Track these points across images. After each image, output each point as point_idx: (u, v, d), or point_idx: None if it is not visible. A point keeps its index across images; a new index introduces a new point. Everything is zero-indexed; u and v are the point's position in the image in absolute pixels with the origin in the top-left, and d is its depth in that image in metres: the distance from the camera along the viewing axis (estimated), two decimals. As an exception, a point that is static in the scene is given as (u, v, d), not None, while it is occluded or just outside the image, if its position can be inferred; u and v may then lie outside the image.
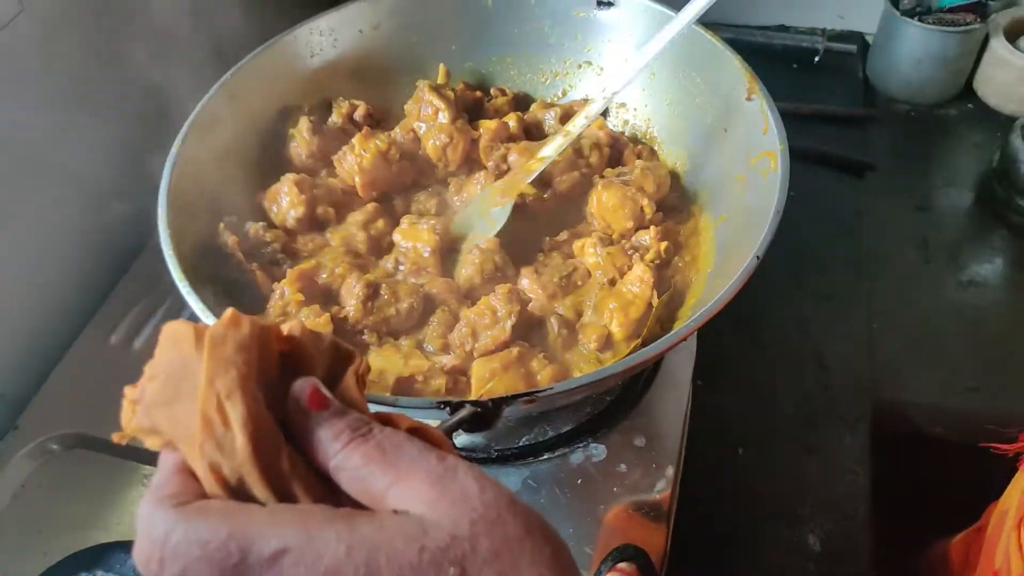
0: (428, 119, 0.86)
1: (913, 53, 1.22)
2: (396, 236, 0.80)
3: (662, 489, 0.75)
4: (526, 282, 0.77)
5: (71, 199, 0.90)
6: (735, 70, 0.80)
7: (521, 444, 0.78)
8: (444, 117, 0.85)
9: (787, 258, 1.04)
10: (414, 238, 0.79)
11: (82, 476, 0.79)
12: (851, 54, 1.31)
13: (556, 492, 0.75)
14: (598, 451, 0.78)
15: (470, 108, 0.92)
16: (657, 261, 0.78)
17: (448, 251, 0.81)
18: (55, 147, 0.86)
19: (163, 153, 0.75)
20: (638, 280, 0.75)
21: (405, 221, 0.81)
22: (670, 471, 0.76)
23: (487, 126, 0.88)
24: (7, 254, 0.83)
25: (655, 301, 0.74)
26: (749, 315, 0.99)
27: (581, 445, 0.78)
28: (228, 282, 0.74)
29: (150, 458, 0.78)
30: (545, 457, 0.77)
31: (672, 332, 0.62)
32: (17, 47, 0.80)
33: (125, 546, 0.74)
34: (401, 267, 0.80)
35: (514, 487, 0.76)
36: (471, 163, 0.88)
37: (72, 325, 0.89)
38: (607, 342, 0.74)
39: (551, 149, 0.82)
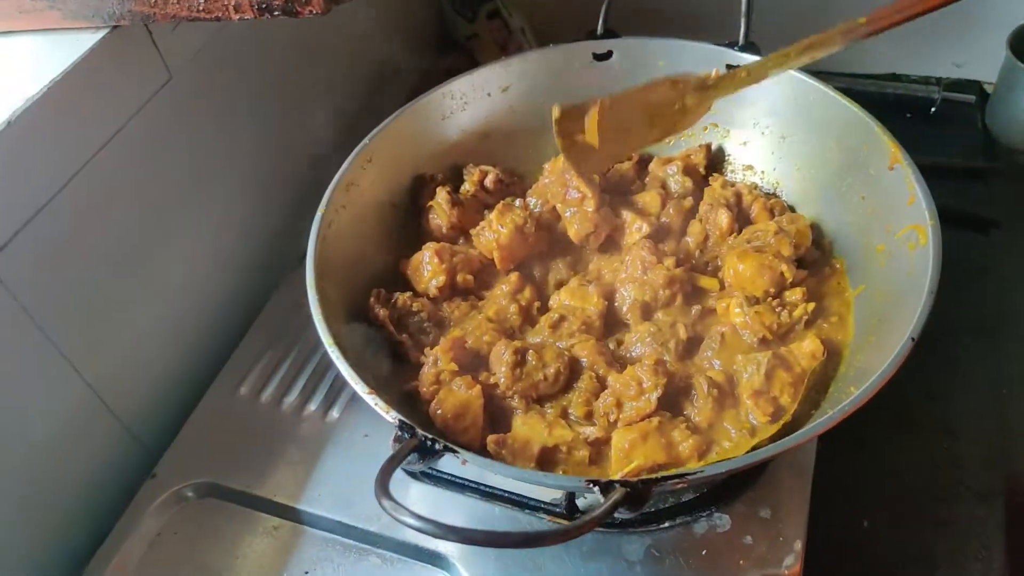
0: (572, 204, 0.87)
1: (1035, 104, 1.18)
2: (562, 298, 0.83)
3: (790, 565, 0.73)
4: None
5: (204, 255, 0.94)
6: (875, 137, 0.78)
7: (644, 511, 0.77)
8: (590, 206, 0.86)
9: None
10: (583, 301, 0.82)
11: (214, 526, 0.81)
12: (970, 104, 1.27)
13: (680, 562, 0.74)
14: (722, 521, 0.76)
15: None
16: (805, 319, 0.77)
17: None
18: (191, 204, 0.90)
19: (289, 216, 0.78)
20: (811, 356, 0.74)
21: (574, 281, 0.84)
22: (798, 545, 0.74)
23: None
24: (146, 307, 0.86)
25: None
26: (875, 381, 0.96)
27: (705, 514, 0.76)
28: (376, 349, 0.77)
29: (277, 510, 0.81)
30: (667, 525, 0.76)
31: (822, 419, 0.60)
32: (167, 110, 0.84)
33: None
34: (564, 324, 0.81)
35: (637, 555, 0.75)
36: (609, 241, 0.90)
37: (204, 375, 0.92)
38: (776, 413, 0.73)
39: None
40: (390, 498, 0.50)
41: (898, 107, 1.29)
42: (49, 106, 0.70)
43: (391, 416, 0.62)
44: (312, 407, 0.89)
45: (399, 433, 0.60)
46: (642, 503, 0.55)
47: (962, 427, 0.93)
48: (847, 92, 0.82)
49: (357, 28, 1.17)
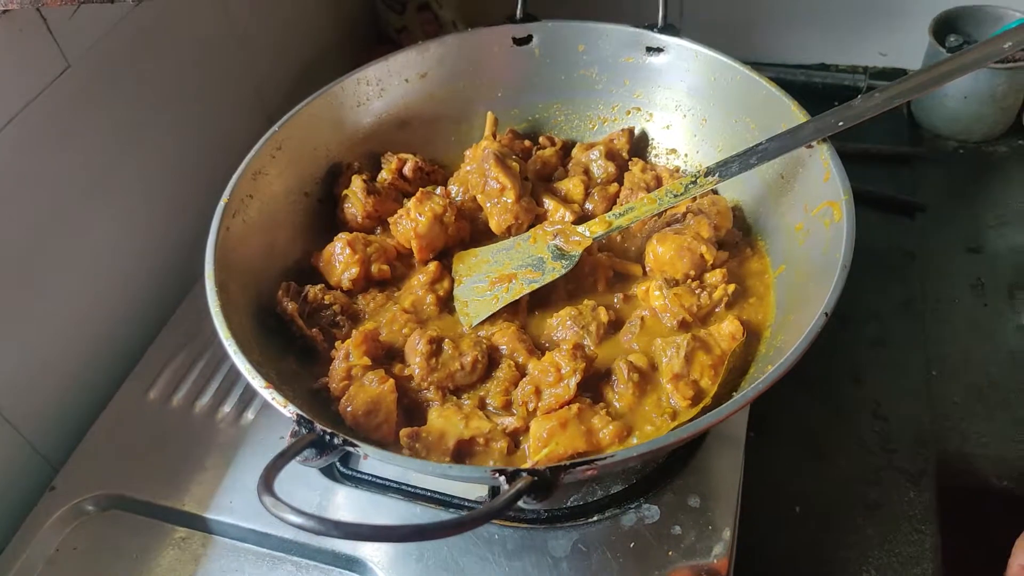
0: (493, 195, 0.85)
1: (960, 91, 1.19)
2: None
3: (720, 554, 0.72)
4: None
5: (110, 251, 0.89)
6: (791, 115, 0.78)
7: (570, 505, 0.75)
8: (510, 197, 0.84)
9: (838, 304, 1.00)
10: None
11: (118, 539, 0.76)
12: (895, 92, 1.28)
13: (608, 556, 0.72)
14: (651, 512, 0.74)
15: (519, 157, 0.91)
16: (725, 300, 0.76)
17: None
18: (95, 199, 0.86)
19: (206, 209, 0.74)
20: (730, 337, 0.73)
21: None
22: (727, 534, 0.73)
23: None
24: (42, 306, 0.82)
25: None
26: (800, 363, 0.96)
27: (633, 506, 0.74)
28: (286, 343, 0.73)
29: (185, 520, 0.77)
30: (595, 519, 0.74)
31: (739, 395, 0.59)
32: (64, 100, 0.79)
33: (162, 612, 0.72)
34: None
35: (564, 551, 0.72)
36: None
37: (110, 380, 0.88)
38: (697, 397, 0.71)
39: (623, 219, 0.81)
40: (271, 494, 0.47)
41: (826, 95, 1.30)
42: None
43: (288, 410, 0.58)
44: (226, 409, 0.85)
45: (296, 428, 0.57)
46: (549, 492, 0.52)
47: (891, 409, 0.93)
48: (777, 81, 0.82)
49: (283, 18, 1.13)
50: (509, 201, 0.84)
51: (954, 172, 1.22)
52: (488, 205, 0.85)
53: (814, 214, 0.72)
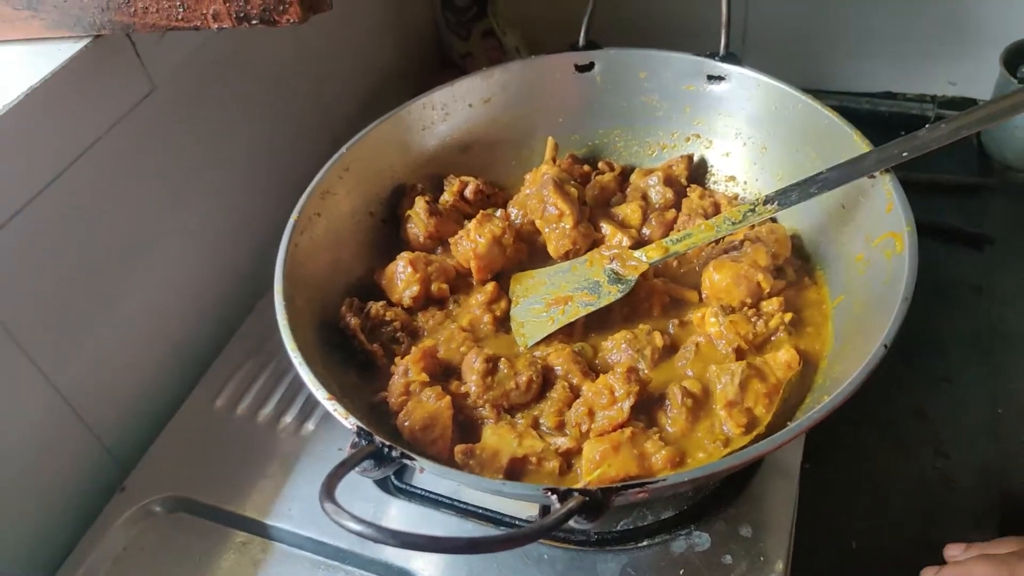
0: (551, 220, 0.86)
1: (1033, 121, 1.17)
2: None
3: (772, 585, 0.71)
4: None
5: (185, 264, 0.94)
6: (854, 145, 0.77)
7: (620, 528, 0.75)
8: (568, 223, 0.85)
9: (900, 336, 0.99)
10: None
11: (182, 541, 0.79)
12: (964, 122, 1.25)
13: (658, 582, 0.72)
14: (702, 540, 0.74)
15: (578, 182, 0.92)
16: (782, 329, 0.76)
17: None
18: (173, 214, 0.90)
19: (277, 224, 0.78)
20: (786, 366, 0.72)
21: None
22: (780, 566, 0.72)
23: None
24: (120, 314, 0.86)
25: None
26: (860, 397, 0.94)
27: (683, 533, 0.74)
28: (347, 357, 0.76)
29: (246, 524, 0.79)
30: (645, 544, 0.74)
31: (794, 424, 0.59)
32: (148, 120, 0.84)
33: (222, 613, 0.74)
34: None
35: (612, 574, 0.72)
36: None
37: (181, 388, 0.91)
38: (750, 425, 0.71)
39: (680, 245, 0.82)
40: (332, 501, 0.48)
41: (893, 124, 1.28)
42: (26, 112, 0.69)
43: (349, 422, 0.60)
44: (287, 420, 0.87)
45: (356, 439, 0.59)
46: (600, 512, 0.53)
47: (954, 446, 0.91)
48: (841, 110, 0.81)
49: (352, 43, 1.17)
50: (567, 227, 0.85)
51: (1024, 205, 1.19)
52: (547, 230, 0.87)
53: (875, 245, 0.72)
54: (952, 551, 0.78)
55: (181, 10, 0.70)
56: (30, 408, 0.76)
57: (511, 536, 0.47)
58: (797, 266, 0.83)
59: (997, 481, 0.87)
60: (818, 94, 0.85)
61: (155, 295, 0.90)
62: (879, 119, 1.29)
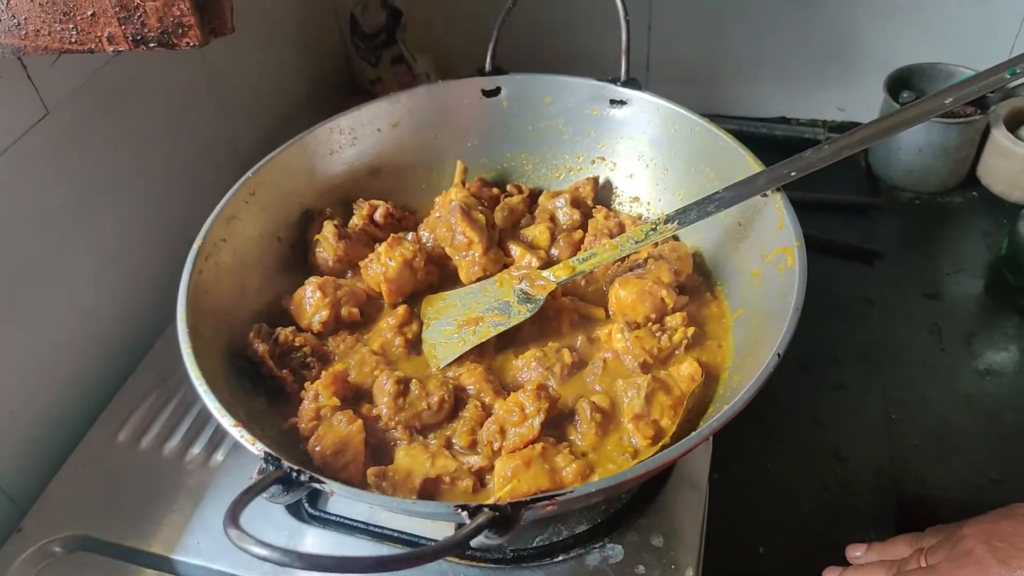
0: (461, 248, 0.87)
1: (915, 144, 1.24)
2: None
3: (684, 593, 0.73)
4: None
5: (84, 294, 0.90)
6: (747, 166, 0.81)
7: (535, 545, 0.76)
8: (477, 251, 0.87)
9: (798, 347, 1.03)
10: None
11: (84, 581, 0.76)
12: (853, 145, 1.33)
13: (573, 596, 0.73)
14: (615, 552, 0.75)
15: (487, 206, 0.94)
16: (685, 343, 0.78)
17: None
18: (70, 242, 0.87)
19: (180, 254, 0.76)
20: (689, 379, 0.75)
21: None
22: (690, 572, 0.74)
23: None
24: (15, 347, 0.82)
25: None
26: (762, 406, 0.97)
27: (597, 546, 0.75)
28: (256, 384, 0.74)
29: (152, 561, 0.76)
30: (560, 559, 0.75)
31: (694, 434, 0.61)
32: (42, 145, 0.81)
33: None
34: None
35: (529, 591, 0.73)
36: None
37: (80, 422, 0.88)
38: (656, 436, 0.73)
39: (586, 264, 0.84)
40: (237, 527, 0.48)
41: (787, 147, 1.32)
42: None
43: (256, 448, 0.59)
44: (195, 451, 0.85)
45: (263, 465, 0.58)
46: (510, 527, 0.54)
47: (851, 451, 0.95)
48: (740, 134, 0.85)
49: (261, 68, 1.16)
50: (476, 254, 0.87)
51: (910, 222, 1.27)
52: (456, 258, 0.88)
53: (769, 260, 0.76)
54: (853, 552, 0.81)
55: (74, 32, 0.68)
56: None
57: (419, 553, 0.47)
58: (698, 282, 0.86)
59: (892, 483, 0.92)
60: (718, 119, 0.89)
61: (52, 328, 0.86)
62: (775, 142, 1.35)
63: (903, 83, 1.26)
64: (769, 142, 1.35)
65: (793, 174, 0.77)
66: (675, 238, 0.90)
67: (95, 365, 0.92)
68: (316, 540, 0.77)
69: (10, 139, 0.78)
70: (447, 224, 0.87)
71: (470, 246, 0.86)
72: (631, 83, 0.92)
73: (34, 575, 0.77)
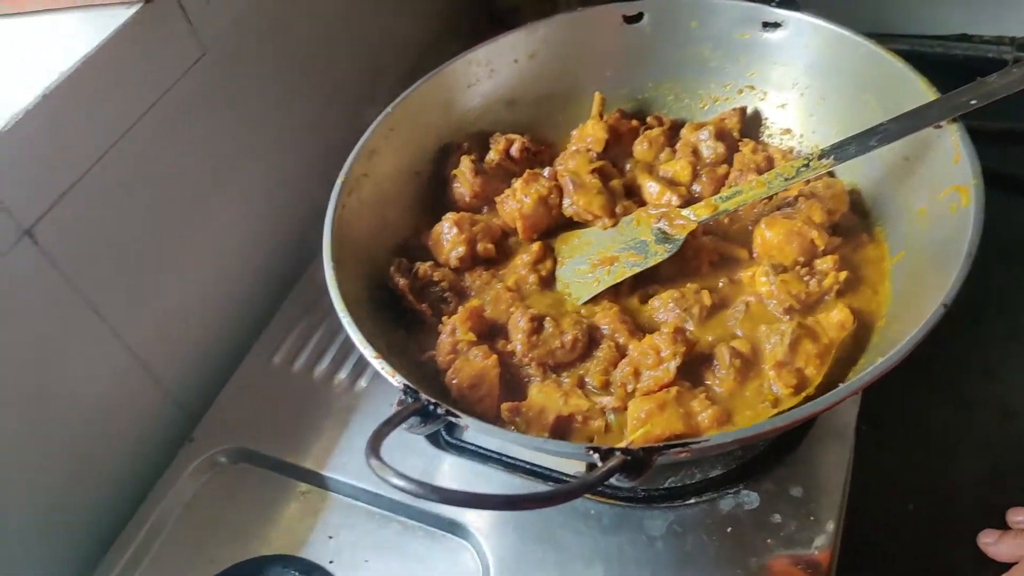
0: (586, 218, 0.86)
1: (1122, 63, 1.09)
2: None
3: (822, 546, 0.70)
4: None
5: (240, 228, 0.96)
6: (919, 93, 0.73)
7: (667, 486, 0.75)
8: (604, 222, 0.85)
9: (969, 294, 0.95)
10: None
11: (246, 490, 0.83)
12: (1047, 64, 1.18)
13: (704, 539, 0.72)
14: (750, 499, 0.74)
15: (624, 140, 0.91)
16: (836, 288, 0.74)
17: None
18: (226, 180, 0.92)
19: (328, 185, 0.78)
20: (839, 326, 0.71)
21: None
22: (831, 526, 0.71)
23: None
24: (184, 280, 0.88)
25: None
26: (923, 356, 0.91)
27: (732, 491, 0.74)
28: (397, 316, 0.77)
29: (306, 476, 0.82)
30: (692, 502, 0.74)
31: (843, 386, 0.57)
32: (198, 87, 0.85)
33: (283, 559, 0.77)
34: None
35: (659, 531, 0.73)
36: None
37: (241, 344, 0.94)
38: (800, 386, 0.69)
39: (730, 203, 0.80)
40: (377, 458, 0.50)
41: (968, 69, 1.18)
42: (82, 81, 0.71)
43: (396, 380, 0.62)
44: (341, 376, 0.90)
45: (402, 397, 0.60)
46: (641, 471, 0.53)
47: (1023, 408, 0.87)
48: (911, 55, 0.77)
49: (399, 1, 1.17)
50: (604, 221, 0.85)
51: (1108, 154, 1.12)
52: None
53: (940, 199, 0.69)
54: (1016, 516, 0.76)
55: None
56: (103, 365, 0.80)
57: (549, 495, 0.48)
58: (855, 222, 0.80)
59: (1067, 445, 0.84)
60: (886, 39, 0.81)
61: (214, 255, 0.92)
62: (953, 63, 1.21)
63: (1114, -9, 1.10)
64: (946, 63, 1.21)
65: (974, 102, 0.69)
66: (830, 174, 0.83)
67: (252, 291, 0.98)
68: (452, 467, 0.80)
69: (169, 82, 0.82)
70: (569, 195, 0.85)
71: (594, 220, 0.85)
72: (787, 3, 0.85)
73: (203, 482, 0.84)
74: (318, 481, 0.82)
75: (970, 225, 0.62)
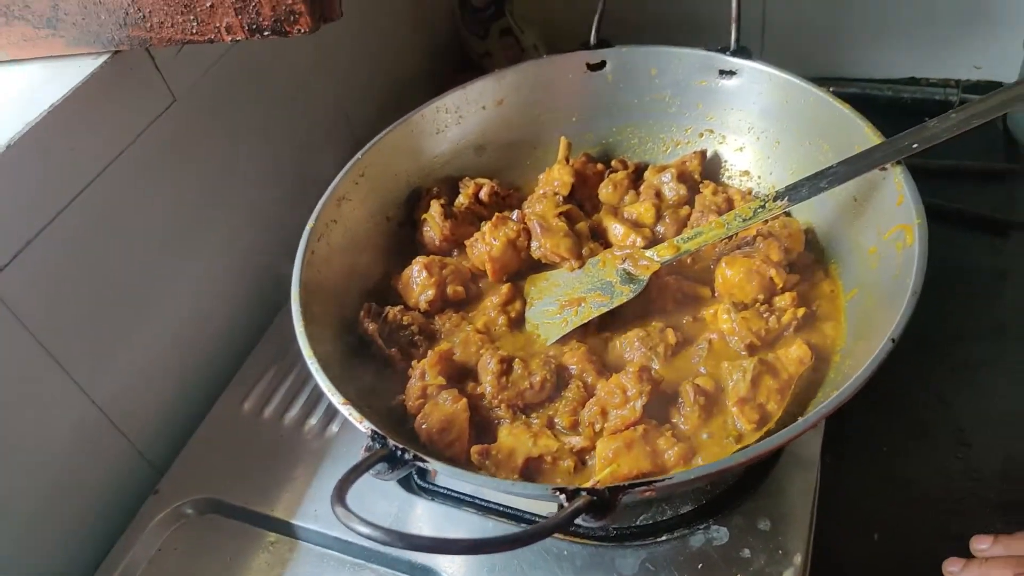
0: (554, 260, 0.88)
1: (1061, 104, 1.14)
2: None
3: (790, 579, 0.71)
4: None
5: (210, 275, 0.96)
6: (865, 137, 0.77)
7: (639, 523, 0.76)
8: (572, 263, 0.87)
9: (922, 325, 0.97)
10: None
11: (214, 541, 0.82)
12: (990, 106, 1.23)
13: (676, 577, 0.73)
14: (720, 534, 0.75)
15: (590, 183, 0.93)
16: (795, 324, 0.76)
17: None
18: (196, 225, 0.92)
19: (298, 231, 0.80)
20: (798, 362, 0.73)
21: None
22: (798, 559, 0.72)
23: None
24: (152, 324, 0.88)
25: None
26: (880, 388, 0.93)
27: (702, 527, 0.75)
28: (366, 361, 0.78)
29: (275, 525, 0.81)
30: (664, 538, 0.75)
31: (801, 420, 0.59)
32: (174, 131, 0.86)
33: (252, 611, 0.76)
34: None
35: (631, 570, 0.73)
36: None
37: (209, 393, 0.94)
38: (762, 420, 0.71)
39: (691, 243, 0.82)
40: (343, 505, 0.50)
41: (916, 112, 1.26)
42: (49, 129, 0.72)
43: (364, 426, 0.62)
44: (312, 422, 0.90)
45: (370, 443, 0.60)
46: (607, 511, 0.54)
47: (978, 435, 0.90)
48: (863, 97, 0.82)
49: (373, 48, 1.19)
50: (571, 263, 0.87)
51: (1053, 190, 1.17)
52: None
53: (887, 238, 0.72)
54: (979, 544, 0.77)
55: (195, 24, 0.72)
56: (68, 419, 0.79)
57: (514, 537, 0.49)
58: (810, 260, 0.83)
59: (1022, 471, 0.86)
60: (839, 81, 0.85)
61: (183, 305, 0.92)
62: (902, 106, 1.27)
63: (1048, 37, 1.16)
64: (895, 106, 1.27)
65: (915, 146, 0.72)
66: (787, 214, 0.86)
67: (221, 340, 0.98)
68: (425, 512, 0.80)
69: (142, 125, 0.83)
70: (537, 238, 0.87)
71: (561, 262, 0.87)
72: (741, 52, 0.88)
73: (169, 534, 0.83)
74: (287, 530, 0.82)
75: (915, 263, 0.65)
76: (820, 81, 0.88)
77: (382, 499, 0.81)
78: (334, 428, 0.89)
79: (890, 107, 1.26)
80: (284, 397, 0.92)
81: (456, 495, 0.80)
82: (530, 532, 0.50)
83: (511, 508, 0.78)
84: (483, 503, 0.79)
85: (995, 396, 0.93)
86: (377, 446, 0.60)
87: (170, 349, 0.92)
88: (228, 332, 0.99)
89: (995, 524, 0.82)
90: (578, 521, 0.73)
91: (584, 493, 0.54)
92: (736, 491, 0.76)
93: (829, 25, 1.28)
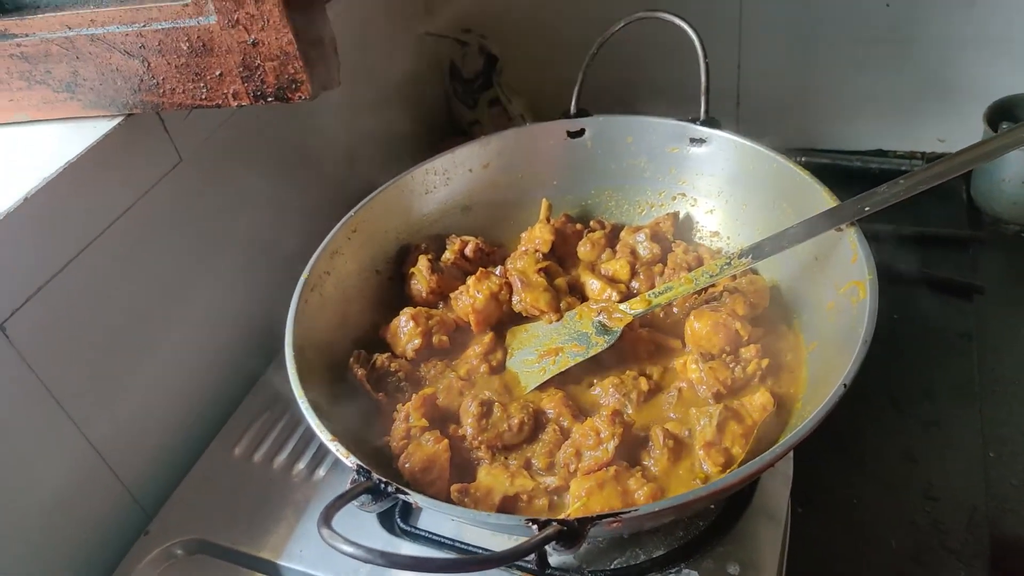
0: (534, 313, 0.93)
1: (1018, 174, 1.21)
2: None
3: (759, 625, 0.73)
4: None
5: (207, 323, 1.00)
6: (823, 201, 0.83)
7: (613, 567, 0.78)
8: (550, 317, 0.92)
9: (891, 383, 1.02)
10: None
11: (202, 581, 0.84)
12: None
13: (649, 619, 0.75)
14: (690, 578, 0.77)
15: (569, 241, 0.99)
16: (759, 374, 0.80)
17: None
18: (196, 278, 0.97)
19: (293, 284, 0.84)
20: (761, 408, 0.77)
21: None
22: (767, 604, 0.75)
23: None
24: (148, 375, 0.92)
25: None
26: (850, 442, 0.97)
27: (673, 571, 0.77)
28: (354, 405, 0.82)
29: (261, 566, 0.83)
30: (637, 582, 0.77)
31: (757, 459, 0.63)
32: (175, 190, 0.91)
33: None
34: None
35: (605, 612, 0.76)
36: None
37: (202, 438, 0.97)
38: (727, 463, 0.75)
39: (662, 298, 0.88)
40: (328, 527, 0.54)
41: (883, 181, 1.32)
42: (63, 185, 0.77)
43: (350, 461, 0.66)
44: (300, 466, 0.92)
45: (355, 476, 0.64)
46: (576, 540, 0.57)
47: (944, 490, 0.93)
48: (834, 168, 0.88)
49: (368, 114, 1.26)
50: (550, 316, 0.92)
51: (1014, 256, 1.22)
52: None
53: (842, 292, 0.77)
54: None
55: (204, 90, 0.78)
56: (64, 458, 0.82)
57: (490, 556, 0.52)
58: (776, 314, 0.88)
59: (987, 523, 0.89)
60: (811, 152, 0.91)
61: (180, 352, 0.96)
62: (869, 176, 1.33)
63: (1004, 114, 1.23)
64: (864, 176, 1.33)
65: (867, 209, 0.78)
66: (754, 271, 0.92)
67: (215, 387, 1.02)
68: (407, 553, 0.82)
69: (150, 183, 0.88)
70: (518, 293, 0.92)
71: (541, 315, 0.92)
72: (711, 122, 0.95)
73: (158, 574, 0.85)
74: (273, 570, 0.83)
75: (866, 314, 0.70)
76: (793, 151, 0.95)
77: (367, 540, 0.82)
78: (321, 472, 0.91)
79: (859, 177, 1.32)
80: (274, 442, 0.95)
81: (437, 537, 0.82)
82: (502, 554, 0.53)
83: (490, 551, 0.80)
84: (462, 545, 0.81)
85: (961, 452, 0.96)
86: (362, 479, 0.63)
87: (166, 396, 0.95)
88: (222, 379, 1.02)
89: (959, 573, 0.85)
90: (557, 559, 0.76)
91: (555, 523, 0.57)
92: (707, 536, 0.79)
93: (800, 98, 1.36)
